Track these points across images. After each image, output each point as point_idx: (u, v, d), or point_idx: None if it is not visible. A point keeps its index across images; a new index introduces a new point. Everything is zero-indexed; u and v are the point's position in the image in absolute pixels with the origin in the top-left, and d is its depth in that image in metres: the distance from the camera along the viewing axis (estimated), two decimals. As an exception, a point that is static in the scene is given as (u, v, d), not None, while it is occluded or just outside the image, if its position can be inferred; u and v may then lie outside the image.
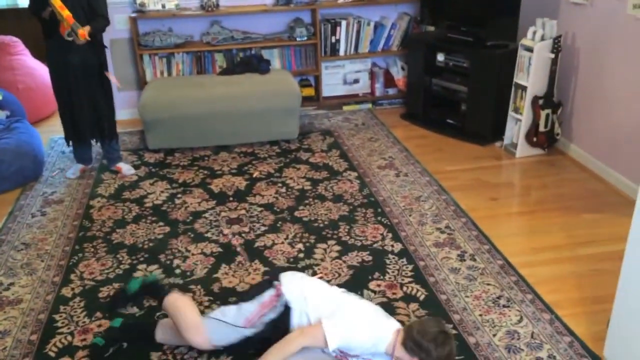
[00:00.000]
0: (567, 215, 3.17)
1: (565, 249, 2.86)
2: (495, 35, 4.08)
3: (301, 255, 2.84)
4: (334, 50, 4.80)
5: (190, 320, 2.11)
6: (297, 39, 4.63)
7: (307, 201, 3.36)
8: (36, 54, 5.01)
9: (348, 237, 2.98)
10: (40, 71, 4.88)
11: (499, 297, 2.48)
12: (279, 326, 2.09)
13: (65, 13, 3.13)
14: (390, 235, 2.99)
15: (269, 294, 2.11)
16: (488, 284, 2.57)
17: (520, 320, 2.35)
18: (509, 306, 2.43)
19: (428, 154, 3.98)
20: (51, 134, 4.46)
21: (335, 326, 1.97)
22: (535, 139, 3.83)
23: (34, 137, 3.89)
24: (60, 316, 2.44)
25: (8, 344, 2.29)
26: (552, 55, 3.65)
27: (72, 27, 3.16)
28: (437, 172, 3.68)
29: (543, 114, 3.75)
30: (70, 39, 3.22)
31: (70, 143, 3.69)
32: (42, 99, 4.77)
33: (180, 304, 2.18)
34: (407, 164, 3.83)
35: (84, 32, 3.21)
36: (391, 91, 5.07)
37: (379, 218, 3.15)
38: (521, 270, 2.66)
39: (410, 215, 3.17)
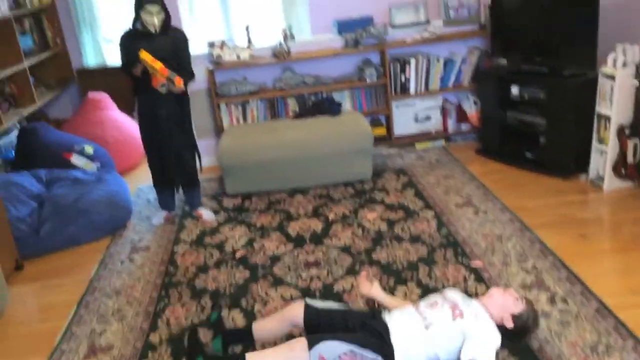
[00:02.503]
0: (667, 251, 2.95)
1: (668, 289, 2.65)
2: (571, 65, 3.94)
3: (381, 299, 2.79)
4: (404, 89, 4.81)
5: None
6: (367, 79, 4.68)
7: (384, 242, 3.33)
8: (123, 108, 5.34)
9: (428, 279, 2.91)
10: (127, 124, 5.17)
11: (597, 344, 2.32)
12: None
13: (159, 65, 3.30)
14: (472, 276, 2.89)
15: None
16: (584, 329, 2.41)
17: (622, 369, 2.18)
18: (608, 354, 2.26)
19: (507, 190, 3.85)
20: (137, 183, 4.70)
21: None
22: (623, 171, 3.62)
23: (123, 187, 4.11)
24: (149, 362, 2.52)
25: (102, 390, 2.38)
26: (637, 83, 3.48)
27: (168, 77, 3.34)
28: (519, 209, 3.54)
29: (630, 144, 3.55)
30: (163, 89, 3.40)
31: (157, 190, 3.87)
32: (129, 150, 5.05)
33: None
34: (485, 200, 3.72)
35: (180, 79, 3.39)
36: (464, 127, 4.99)
37: (459, 258, 3.06)
38: (619, 314, 2.48)
39: (493, 255, 3.06)
